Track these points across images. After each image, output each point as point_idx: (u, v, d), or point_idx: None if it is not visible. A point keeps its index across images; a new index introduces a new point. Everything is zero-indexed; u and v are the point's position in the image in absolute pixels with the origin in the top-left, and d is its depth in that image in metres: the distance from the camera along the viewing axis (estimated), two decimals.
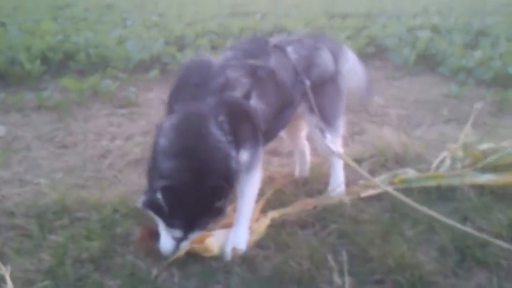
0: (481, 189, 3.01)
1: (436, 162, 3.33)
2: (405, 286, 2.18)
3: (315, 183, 3.21)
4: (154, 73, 5.85)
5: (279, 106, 2.66)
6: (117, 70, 5.77)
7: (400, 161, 3.53)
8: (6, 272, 2.20)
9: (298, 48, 2.83)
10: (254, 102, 2.47)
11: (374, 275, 2.28)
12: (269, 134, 2.67)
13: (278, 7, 11.85)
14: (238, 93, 2.43)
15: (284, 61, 2.71)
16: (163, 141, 2.30)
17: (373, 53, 7.28)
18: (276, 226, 2.62)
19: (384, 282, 2.23)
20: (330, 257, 2.35)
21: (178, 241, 2.32)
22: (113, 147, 4.01)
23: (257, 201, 2.65)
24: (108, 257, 2.37)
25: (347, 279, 2.21)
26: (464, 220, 2.70)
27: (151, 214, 2.32)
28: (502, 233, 2.54)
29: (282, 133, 3.11)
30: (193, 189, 2.19)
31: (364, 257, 2.39)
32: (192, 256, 2.35)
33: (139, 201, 2.35)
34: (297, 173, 3.34)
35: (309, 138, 3.28)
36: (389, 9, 11.75)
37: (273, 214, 2.69)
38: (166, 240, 2.33)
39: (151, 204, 2.28)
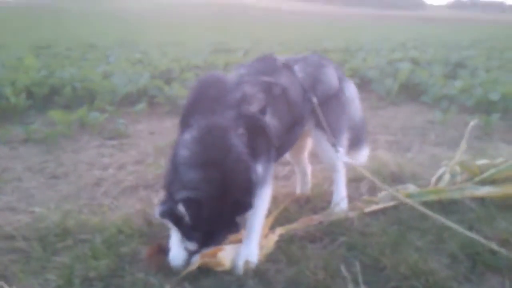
0: (481, 201, 3.06)
1: (434, 177, 3.39)
2: None
3: (317, 201, 3.22)
4: (142, 105, 5.86)
5: (290, 123, 2.69)
6: (104, 103, 5.75)
7: (397, 179, 3.58)
8: None
9: (303, 66, 2.88)
10: (269, 119, 2.49)
11: (389, 283, 2.26)
12: (280, 151, 2.69)
13: (261, 44, 12.09)
14: (254, 108, 2.44)
15: (293, 79, 2.75)
16: (184, 153, 2.28)
17: (357, 84, 7.41)
18: (285, 241, 2.61)
19: None
20: (343, 268, 2.32)
21: (190, 254, 2.28)
22: (106, 176, 3.94)
23: (266, 217, 2.63)
24: (117, 276, 2.31)
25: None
26: (470, 229, 2.71)
27: (169, 224, 2.29)
28: (510, 239, 2.57)
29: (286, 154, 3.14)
30: (217, 202, 2.17)
31: (376, 267, 2.39)
32: (204, 271, 2.30)
33: (156, 211, 2.32)
34: (298, 192, 3.33)
35: (314, 155, 3.30)
36: (367, 45, 12.10)
37: (281, 230, 2.67)
38: (177, 253, 2.28)
39: (170, 214, 2.24)
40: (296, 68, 2.83)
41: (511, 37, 18.22)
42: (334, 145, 2.87)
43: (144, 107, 5.89)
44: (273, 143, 2.50)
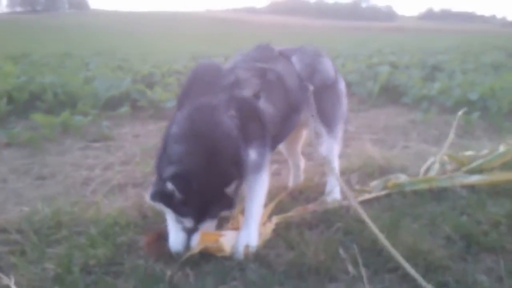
0: (471, 188, 3.12)
1: (423, 168, 3.45)
2: (420, 271, 2.19)
3: (309, 193, 3.24)
4: (125, 109, 5.82)
5: (286, 111, 2.70)
6: (87, 107, 5.70)
7: (385, 172, 3.61)
8: (10, 281, 2.08)
9: (301, 56, 2.91)
10: (263, 104, 2.50)
11: (387, 264, 2.30)
12: (277, 139, 2.70)
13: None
14: (248, 92, 2.46)
15: (289, 67, 2.78)
16: (174, 129, 2.31)
17: None
18: (283, 228, 2.62)
19: (398, 270, 2.25)
20: (341, 251, 2.35)
21: (189, 233, 2.26)
22: (93, 176, 3.89)
23: (263, 208, 2.64)
24: (116, 264, 2.29)
25: (363, 269, 2.20)
26: (461, 215, 2.77)
27: (161, 207, 2.28)
28: (501, 221, 2.63)
29: (280, 146, 3.16)
30: (204, 173, 2.17)
31: (373, 250, 2.41)
32: (205, 257, 2.30)
33: (148, 194, 2.32)
34: (291, 185, 3.35)
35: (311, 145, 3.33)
36: (344, 52, 12.27)
37: (277, 219, 2.68)
38: (176, 236, 2.27)
39: (161, 195, 2.24)
40: (294, 58, 2.86)
41: (484, 44, 18.72)
42: (318, 136, 2.93)
43: (128, 111, 5.86)
44: (268, 129, 2.50)
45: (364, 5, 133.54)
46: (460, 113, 3.96)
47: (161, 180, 2.25)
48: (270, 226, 2.60)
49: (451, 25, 78.72)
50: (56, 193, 3.47)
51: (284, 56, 2.83)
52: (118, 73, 7.45)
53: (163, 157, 2.32)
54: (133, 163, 4.21)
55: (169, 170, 2.20)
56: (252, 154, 2.42)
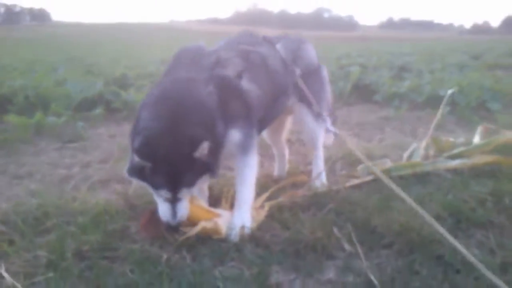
0: (453, 171, 3.20)
1: (406, 153, 3.52)
2: (414, 246, 2.23)
3: (294, 182, 3.24)
4: (100, 110, 5.72)
5: (273, 93, 2.70)
6: (60, 109, 5.59)
7: (368, 160, 3.65)
8: (1, 268, 2.02)
9: (285, 43, 2.94)
10: (247, 84, 2.49)
11: (382, 240, 2.33)
12: (264, 122, 2.70)
13: None
14: (229, 72, 2.45)
15: (274, 52, 2.79)
16: (145, 99, 2.31)
17: None
18: (276, 211, 2.61)
19: (393, 245, 2.29)
20: (335, 230, 2.36)
21: (173, 204, 2.19)
22: (72, 174, 3.79)
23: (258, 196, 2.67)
24: (111, 249, 2.24)
25: (358, 246, 2.23)
26: (448, 195, 2.83)
27: (138, 181, 2.23)
28: (487, 198, 2.70)
29: (264, 134, 3.18)
30: (167, 137, 2.08)
31: (366, 228, 2.44)
32: (200, 239, 2.28)
33: (124, 171, 2.25)
34: (276, 173, 3.36)
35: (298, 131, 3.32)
36: None
37: (268, 204, 2.68)
38: (163, 207, 2.20)
39: (134, 169, 2.17)
40: (278, 45, 2.88)
41: (446, 48, 19.26)
42: (319, 114, 2.91)
43: (102, 112, 5.76)
44: (253, 110, 2.48)
45: (326, 15, 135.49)
46: (449, 91, 4.09)
47: (132, 152, 2.18)
48: (263, 211, 2.59)
49: (411, 33, 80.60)
50: (35, 190, 3.36)
51: (268, 41, 2.86)
52: (89, 77, 7.32)
53: (133, 127, 2.26)
54: (111, 161, 4.14)
55: (136, 141, 2.13)
56: (237, 134, 2.39)
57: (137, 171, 2.16)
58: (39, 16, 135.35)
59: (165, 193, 2.16)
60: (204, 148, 2.08)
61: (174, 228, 2.23)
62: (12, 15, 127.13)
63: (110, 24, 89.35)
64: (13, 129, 4.98)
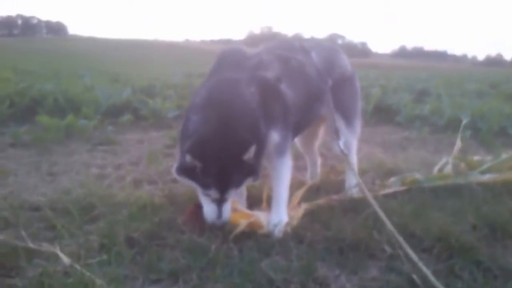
0: (484, 186, 3.25)
1: (437, 167, 3.57)
2: (454, 251, 2.28)
3: (327, 189, 3.29)
4: (128, 117, 5.84)
5: (308, 98, 2.78)
6: (90, 112, 5.71)
7: (396, 174, 3.70)
8: (56, 249, 2.10)
9: (320, 51, 3.02)
10: (285, 88, 2.57)
11: (421, 244, 2.38)
12: (299, 127, 2.78)
13: None
14: (270, 74, 2.54)
15: (310, 60, 2.88)
16: (194, 101, 2.39)
17: None
18: (315, 213, 2.68)
19: (433, 249, 2.34)
20: (375, 233, 2.42)
21: (219, 204, 2.28)
22: (105, 173, 3.86)
23: (293, 196, 2.74)
24: (159, 238, 2.32)
25: (404, 243, 2.26)
26: (481, 207, 2.87)
27: (186, 181, 2.32)
28: None
29: (297, 143, 3.25)
30: (219, 140, 2.18)
31: (405, 233, 2.46)
32: (245, 234, 2.35)
33: (173, 170, 2.35)
34: (308, 180, 3.42)
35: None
36: None
37: (306, 205, 2.74)
38: (208, 208, 2.30)
39: (183, 169, 2.27)
40: (313, 53, 2.97)
41: (464, 77, 19.34)
42: (336, 133, 2.96)
43: (130, 118, 5.88)
44: (290, 113, 2.56)
45: (340, 41, 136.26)
46: (464, 121, 4.12)
47: (182, 153, 2.28)
48: (300, 210, 2.66)
49: (424, 62, 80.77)
50: (71, 187, 3.44)
51: (304, 50, 2.94)
52: (116, 85, 7.47)
53: (184, 129, 2.37)
54: (142, 164, 4.23)
55: (188, 142, 2.23)
56: (276, 136, 2.47)
57: (187, 171, 2.26)
58: (56, 29, 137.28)
59: (214, 193, 2.25)
60: (252, 152, 2.19)
61: (218, 228, 2.32)
62: (29, 27, 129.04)
63: (126, 40, 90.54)
64: (44, 130, 5.08)
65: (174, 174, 2.36)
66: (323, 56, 3.00)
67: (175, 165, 2.36)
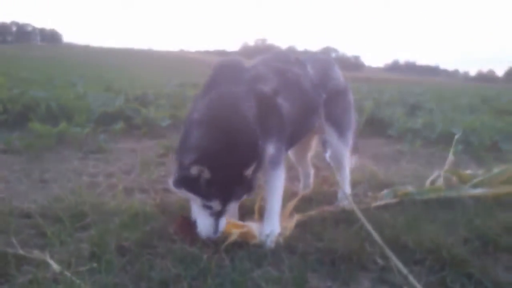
0: (476, 200, 3.26)
1: (429, 180, 3.58)
2: (445, 263, 2.29)
3: (320, 200, 3.30)
4: (121, 125, 5.82)
5: (303, 110, 2.80)
6: (82, 121, 5.69)
7: (388, 186, 3.71)
8: (46, 256, 2.08)
9: (314, 63, 3.04)
10: (281, 100, 2.58)
11: (413, 256, 2.38)
12: (294, 138, 2.79)
13: None
14: (267, 88, 2.55)
15: (305, 72, 2.89)
16: (195, 116, 2.39)
17: None
18: (307, 224, 2.68)
19: (425, 261, 2.34)
20: (367, 245, 2.42)
21: (216, 218, 2.30)
22: (97, 182, 3.84)
23: (285, 206, 2.73)
24: (150, 247, 2.31)
25: (394, 258, 2.26)
26: (473, 220, 2.88)
27: (185, 193, 2.31)
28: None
29: (290, 154, 3.25)
30: (225, 155, 2.21)
31: (397, 245, 2.48)
32: (237, 243, 2.35)
33: (170, 182, 2.35)
34: (301, 191, 3.42)
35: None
36: None
37: (298, 216, 2.74)
38: (204, 221, 2.31)
39: (184, 181, 2.28)
40: (308, 66, 2.98)
41: (456, 92, 19.54)
42: (324, 145, 2.98)
43: (122, 127, 5.86)
44: (286, 126, 2.58)
45: (333, 54, 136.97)
46: (457, 136, 4.16)
47: (183, 166, 2.29)
48: (293, 221, 2.66)
49: (416, 77, 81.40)
50: (63, 194, 3.42)
51: (300, 62, 2.96)
52: (109, 93, 7.46)
53: (184, 143, 2.38)
54: (134, 172, 4.21)
55: (192, 155, 2.25)
56: (271, 149, 2.49)
57: (187, 184, 2.27)
58: (50, 36, 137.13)
59: (216, 205, 2.27)
60: (252, 168, 2.24)
61: (213, 240, 2.34)
62: (23, 34, 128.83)
63: (120, 49, 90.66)
64: (36, 137, 5.05)
65: (171, 186, 2.37)
66: (318, 68, 3.02)
67: (172, 178, 2.36)
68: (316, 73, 2.97)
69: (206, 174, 2.19)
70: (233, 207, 2.42)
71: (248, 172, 2.25)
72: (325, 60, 3.18)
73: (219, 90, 2.48)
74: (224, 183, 2.24)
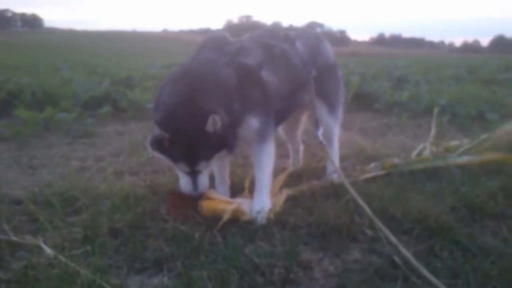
0: (462, 168, 3.32)
1: (415, 152, 3.63)
2: (433, 232, 2.33)
3: (309, 175, 3.33)
4: (107, 108, 5.80)
5: (292, 87, 2.79)
6: (69, 105, 5.65)
7: (376, 159, 3.75)
8: (39, 241, 2.10)
9: (304, 39, 3.03)
10: (267, 75, 2.58)
11: (401, 226, 2.43)
12: (283, 114, 2.80)
13: None
14: (251, 60, 2.55)
15: (294, 49, 2.89)
16: (167, 76, 2.44)
17: None
18: (297, 198, 2.72)
19: (413, 230, 2.39)
20: (356, 216, 2.46)
21: (194, 176, 2.31)
22: (86, 166, 3.84)
23: (275, 180, 2.76)
24: (142, 228, 2.33)
25: (384, 228, 2.29)
26: (459, 189, 2.93)
27: (158, 154, 2.33)
28: (497, 193, 2.81)
29: (280, 130, 3.27)
30: (184, 110, 2.19)
31: (385, 216, 2.52)
32: (228, 221, 2.37)
33: (147, 143, 2.36)
34: (291, 167, 3.45)
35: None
36: None
37: (287, 191, 2.78)
38: (184, 180, 2.33)
39: (155, 142, 2.27)
40: (298, 43, 2.98)
41: (441, 63, 19.54)
42: (317, 122, 2.97)
43: (109, 110, 5.84)
44: (272, 100, 2.56)
45: (319, 29, 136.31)
46: (436, 110, 4.24)
47: (154, 125, 2.28)
48: (282, 196, 2.69)
49: (403, 50, 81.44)
50: (52, 180, 3.41)
51: (289, 39, 2.95)
52: (95, 77, 7.40)
53: (155, 102, 2.39)
54: (123, 155, 4.21)
55: (158, 113, 2.25)
56: (254, 121, 2.48)
57: (158, 144, 2.27)
58: (31, 21, 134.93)
59: (183, 166, 2.28)
60: (215, 122, 2.17)
61: (197, 198, 2.37)
62: (3, 21, 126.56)
63: (103, 32, 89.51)
64: (22, 124, 5.02)
65: (148, 148, 2.36)
66: (308, 44, 3.01)
67: (148, 139, 2.36)
68: (306, 50, 2.96)
69: (166, 134, 2.18)
70: (208, 166, 2.33)
71: (212, 127, 2.17)
72: (315, 36, 3.18)
73: (198, 57, 2.52)
74: (186, 142, 2.21)
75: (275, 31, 2.99)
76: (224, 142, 2.28)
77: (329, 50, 3.16)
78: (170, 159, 2.29)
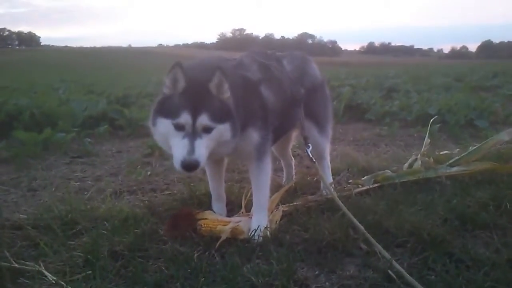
0: (453, 179, 3.39)
1: (406, 164, 3.71)
2: (426, 244, 2.39)
3: (303, 190, 3.40)
4: (105, 127, 5.86)
5: (287, 103, 2.83)
6: (67, 126, 5.72)
7: (369, 171, 3.81)
8: (41, 267, 2.15)
9: (291, 59, 3.09)
10: (265, 91, 2.62)
11: (395, 240, 2.48)
12: (279, 132, 2.84)
13: None
14: (250, 75, 2.62)
15: (284, 69, 2.95)
16: None
17: None
18: (292, 215, 2.78)
19: (407, 243, 2.44)
20: (351, 231, 2.52)
21: (190, 138, 2.17)
22: (85, 186, 3.88)
23: (272, 198, 2.80)
24: (142, 250, 2.37)
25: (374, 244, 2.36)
26: (451, 200, 2.99)
27: (159, 126, 2.29)
28: (488, 203, 2.88)
29: (272, 148, 3.33)
30: (195, 69, 2.40)
31: (379, 230, 2.57)
32: (226, 240, 2.42)
33: (148, 124, 2.38)
34: (284, 181, 3.53)
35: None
36: None
37: (283, 207, 2.83)
38: (180, 143, 2.18)
39: (158, 107, 2.30)
40: (284, 62, 3.03)
41: (430, 72, 19.70)
42: (305, 139, 2.98)
43: (107, 129, 5.91)
44: (270, 115, 2.59)
45: (310, 40, 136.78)
46: (432, 120, 4.33)
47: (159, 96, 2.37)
48: (279, 213, 2.75)
49: (393, 58, 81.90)
50: (52, 202, 3.45)
51: (277, 59, 3.01)
52: (92, 96, 7.47)
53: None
54: (122, 174, 4.27)
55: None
56: (255, 135, 2.51)
57: (160, 106, 2.29)
58: (28, 40, 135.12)
59: (185, 118, 2.18)
60: (223, 85, 2.26)
61: (190, 167, 2.16)
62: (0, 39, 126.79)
63: (100, 48, 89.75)
64: (21, 145, 5.07)
65: (150, 123, 2.35)
66: (295, 64, 3.07)
67: (152, 109, 2.36)
68: (293, 69, 3.01)
69: (179, 82, 2.24)
70: (209, 145, 2.24)
71: (216, 86, 2.24)
72: (301, 57, 3.23)
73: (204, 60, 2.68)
74: (193, 94, 2.22)
75: (264, 51, 3.05)
76: (230, 114, 2.28)
77: (316, 69, 3.22)
78: (173, 116, 2.20)
